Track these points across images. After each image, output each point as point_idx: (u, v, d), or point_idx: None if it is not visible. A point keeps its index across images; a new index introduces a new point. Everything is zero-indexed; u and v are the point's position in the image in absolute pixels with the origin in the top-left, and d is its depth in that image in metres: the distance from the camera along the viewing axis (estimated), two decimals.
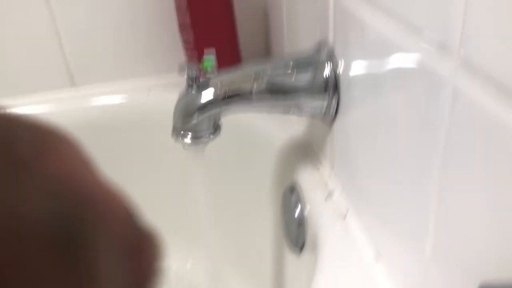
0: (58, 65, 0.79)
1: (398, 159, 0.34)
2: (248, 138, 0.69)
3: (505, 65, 0.20)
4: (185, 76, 0.45)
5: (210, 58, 0.71)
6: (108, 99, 0.80)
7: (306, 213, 0.53)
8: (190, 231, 0.79)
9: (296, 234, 0.55)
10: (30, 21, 0.75)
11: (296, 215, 0.55)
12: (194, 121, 0.45)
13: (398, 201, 0.36)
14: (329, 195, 0.51)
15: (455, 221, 0.27)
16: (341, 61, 0.44)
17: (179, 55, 0.75)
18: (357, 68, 0.40)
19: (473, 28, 0.22)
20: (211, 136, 0.47)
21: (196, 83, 0.45)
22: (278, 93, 0.46)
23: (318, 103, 0.47)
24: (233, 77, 0.46)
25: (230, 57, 0.73)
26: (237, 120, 0.68)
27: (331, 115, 0.48)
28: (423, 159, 0.30)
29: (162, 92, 0.79)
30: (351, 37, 0.40)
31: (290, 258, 0.59)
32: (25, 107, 0.79)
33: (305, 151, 0.59)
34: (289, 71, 0.46)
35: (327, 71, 0.46)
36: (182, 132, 0.46)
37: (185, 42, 0.71)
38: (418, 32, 0.28)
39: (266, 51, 0.84)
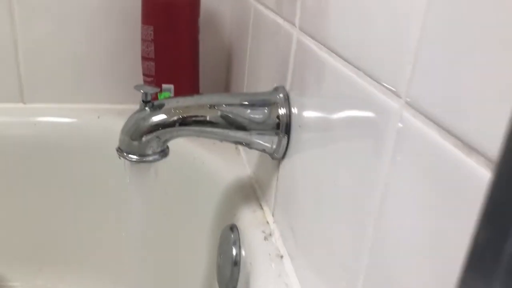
0: (10, 78, 0.77)
1: (338, 205, 0.35)
2: (194, 172, 0.68)
3: (444, 106, 0.22)
4: (140, 97, 0.45)
5: (166, 93, 0.71)
6: (57, 118, 0.78)
7: (243, 252, 0.52)
8: (120, 264, 0.75)
9: (229, 276, 0.54)
10: None
11: (232, 254, 0.53)
12: (143, 140, 0.45)
13: (334, 247, 0.36)
14: (269, 235, 0.50)
15: (388, 273, 0.28)
16: (295, 106, 0.46)
17: None
18: (309, 113, 0.42)
19: (420, 75, 0.24)
20: (158, 157, 0.46)
21: (151, 103, 0.45)
22: (231, 125, 0.47)
23: (269, 140, 0.48)
24: (189, 103, 0.46)
25: (188, 93, 0.73)
26: (185, 152, 0.68)
27: (280, 154, 0.48)
28: (361, 204, 0.31)
29: (113, 118, 0.78)
30: (307, 84, 0.42)
31: None
32: None
33: (251, 191, 0.59)
34: (245, 107, 0.47)
35: (280, 112, 0.47)
36: (127, 151, 0.45)
37: (145, 74, 0.71)
38: (370, 73, 0.29)
39: (225, 90, 0.86)
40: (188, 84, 0.73)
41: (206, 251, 0.65)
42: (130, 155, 0.45)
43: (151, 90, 0.45)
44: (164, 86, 0.71)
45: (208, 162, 0.68)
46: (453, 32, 0.22)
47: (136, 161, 0.45)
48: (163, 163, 0.48)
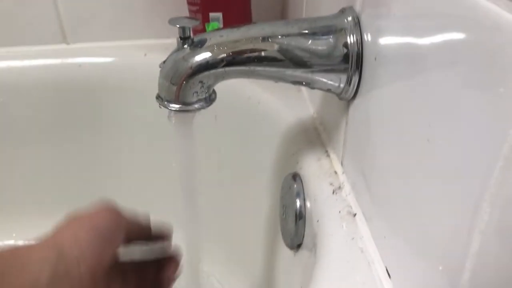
0: (51, 19, 0.72)
1: (431, 159, 0.27)
2: (249, 114, 0.61)
3: None
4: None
5: (214, 23, 0.62)
6: (100, 58, 0.72)
7: (308, 206, 0.46)
8: (174, 210, 0.72)
9: (294, 231, 0.47)
10: None
11: (296, 207, 0.47)
12: (184, 84, 0.38)
13: (427, 210, 0.28)
14: (338, 188, 0.43)
15: None
16: (368, 31, 0.36)
17: None
18: (388, 40, 0.32)
19: None
20: (203, 104, 0.39)
21: (190, 40, 0.37)
22: (289, 61, 0.38)
23: (336, 77, 0.39)
24: (236, 36, 0.38)
25: (239, 22, 0.64)
26: (237, 89, 0.60)
27: (350, 93, 0.40)
28: (474, 163, 0.22)
29: (161, 54, 0.71)
30: (384, 5, 0.32)
31: (286, 255, 0.52)
32: (14, 61, 0.72)
33: (315, 135, 0.51)
34: (304, 36, 0.38)
35: (349, 41, 0.38)
36: (168, 98, 0.38)
37: (190, 3, 0.63)
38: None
39: (281, 15, 0.75)
40: (238, 11, 0.64)
41: (266, 201, 0.59)
42: (171, 104, 0.38)
43: (189, 23, 0.37)
44: (212, 14, 0.62)
45: (264, 101, 0.60)
46: None
47: (179, 110, 0.39)
48: (212, 105, 0.41)
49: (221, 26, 0.63)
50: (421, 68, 0.28)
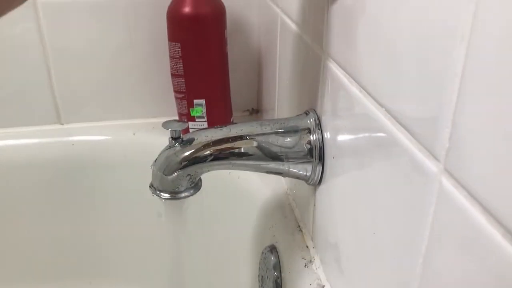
0: (46, 102, 0.79)
1: (379, 239, 0.33)
2: (230, 189, 0.68)
3: (489, 186, 0.20)
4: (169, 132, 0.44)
5: (198, 108, 0.70)
6: (92, 137, 0.79)
7: (284, 278, 0.52)
8: (161, 280, 0.77)
9: None
10: (23, 57, 0.75)
11: (274, 278, 0.53)
12: (174, 177, 0.44)
13: (379, 283, 0.34)
14: (309, 262, 0.49)
15: None
16: (327, 131, 0.44)
17: (170, 101, 0.75)
18: (342, 142, 0.40)
19: (461, 143, 0.22)
20: (191, 191, 0.46)
21: (180, 139, 0.44)
22: (263, 156, 0.45)
23: (303, 168, 0.46)
24: (219, 135, 0.45)
25: (220, 108, 0.72)
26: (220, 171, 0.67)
27: (316, 180, 0.47)
28: (404, 244, 0.29)
29: (148, 134, 0.78)
30: (339, 109, 0.40)
31: None
32: (10, 140, 0.78)
33: (289, 211, 0.58)
34: (275, 134, 0.45)
35: (312, 138, 0.45)
36: (160, 188, 0.45)
37: (176, 91, 0.70)
38: (405, 127, 0.27)
39: (257, 103, 0.84)
40: (219, 97, 0.72)
41: (246, 272, 0.64)
42: (162, 194, 0.45)
43: (179, 127, 0.44)
44: (196, 101, 0.70)
45: (243, 176, 0.67)
46: (493, 98, 0.19)
47: (169, 199, 0.45)
48: None
49: (204, 111, 0.70)
50: (362, 165, 0.35)
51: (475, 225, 0.21)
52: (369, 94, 0.32)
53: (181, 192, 0.45)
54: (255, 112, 0.85)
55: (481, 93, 0.20)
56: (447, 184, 0.23)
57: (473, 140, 0.21)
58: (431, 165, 0.24)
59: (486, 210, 0.20)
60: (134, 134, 0.79)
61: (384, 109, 0.30)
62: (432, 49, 0.24)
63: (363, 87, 0.33)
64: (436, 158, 0.24)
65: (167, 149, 0.45)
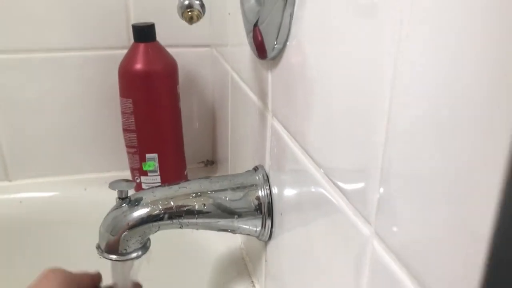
0: None
1: None
2: (183, 245, 0.67)
3: (413, 250, 0.21)
4: (117, 193, 0.44)
5: (151, 163, 0.70)
6: (41, 193, 0.77)
7: None
8: None
9: None
10: None
11: None
12: (121, 238, 0.43)
13: None
14: None
15: None
16: (275, 186, 0.45)
17: (122, 155, 0.74)
18: (288, 198, 0.41)
19: (386, 208, 0.23)
20: (139, 252, 0.45)
21: (128, 199, 0.44)
22: (213, 213, 0.45)
23: (253, 223, 0.46)
24: (167, 195, 0.45)
25: (173, 161, 0.72)
26: None
27: (266, 235, 0.47)
28: None
29: (100, 189, 0.76)
30: (284, 167, 0.41)
31: None
32: None
33: (242, 266, 0.58)
34: (226, 192, 0.46)
35: (261, 194, 0.46)
36: (107, 249, 0.44)
37: (128, 146, 0.70)
38: (341, 190, 0.28)
39: (212, 155, 0.85)
40: (172, 152, 0.72)
41: None
42: (110, 255, 0.44)
43: (126, 187, 0.44)
44: (148, 155, 0.70)
45: (196, 230, 0.66)
46: (414, 175, 0.21)
47: (117, 260, 0.44)
48: None
49: (157, 165, 0.70)
50: (306, 222, 0.36)
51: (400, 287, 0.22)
52: (309, 155, 0.34)
53: (129, 253, 0.44)
54: (210, 163, 0.85)
55: (405, 159, 0.21)
56: (378, 247, 0.24)
57: (400, 204, 0.22)
58: (363, 227, 0.25)
59: (413, 275, 0.21)
60: (85, 189, 0.77)
61: (322, 170, 0.31)
62: (361, 117, 0.25)
63: (304, 148, 0.35)
64: (367, 221, 0.25)
65: (114, 210, 0.44)
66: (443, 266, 0.19)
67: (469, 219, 0.17)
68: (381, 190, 0.23)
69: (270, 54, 0.39)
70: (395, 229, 0.22)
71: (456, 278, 0.18)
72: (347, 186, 0.27)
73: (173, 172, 0.72)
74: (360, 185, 0.26)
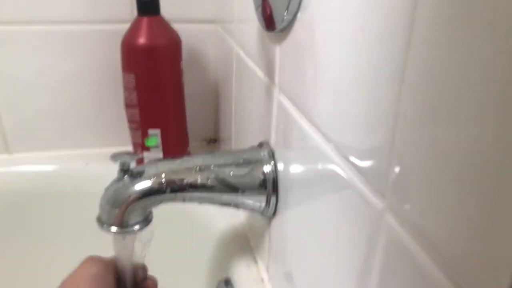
0: None
1: (330, 272, 0.33)
2: (185, 220, 0.66)
3: (429, 219, 0.20)
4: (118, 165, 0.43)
5: (153, 138, 0.69)
6: (42, 167, 0.76)
7: None
8: None
9: None
10: None
11: None
12: (122, 210, 0.43)
13: None
14: None
15: None
16: (281, 162, 0.44)
17: (124, 130, 0.73)
18: (294, 175, 0.40)
19: (403, 181, 0.22)
20: (140, 225, 0.44)
21: (130, 171, 0.43)
22: (217, 188, 0.45)
23: (257, 199, 0.46)
24: (170, 168, 0.44)
25: (176, 138, 0.72)
26: None
27: (270, 212, 0.47)
28: (356, 276, 0.29)
29: (101, 164, 0.76)
30: (291, 143, 0.40)
31: None
32: None
33: (245, 242, 0.57)
34: (230, 167, 0.45)
35: (266, 170, 0.45)
36: (108, 221, 0.43)
37: (130, 121, 0.69)
38: (353, 165, 0.28)
39: (215, 133, 0.84)
40: (175, 128, 0.71)
41: None
42: (111, 227, 0.43)
43: (129, 159, 0.43)
44: (150, 131, 0.69)
45: (199, 206, 0.66)
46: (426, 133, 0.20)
47: (118, 233, 0.44)
48: None
49: (159, 141, 0.69)
50: (313, 198, 0.35)
51: (417, 261, 0.21)
52: (318, 129, 0.33)
53: (131, 225, 0.44)
54: (213, 141, 0.85)
55: (419, 126, 0.21)
56: (393, 221, 0.23)
57: (416, 179, 0.21)
58: (377, 201, 0.25)
59: (429, 251, 0.20)
60: (86, 164, 0.77)
61: (332, 144, 0.31)
62: (374, 89, 0.25)
63: (313, 123, 0.34)
64: (382, 195, 0.24)
65: (115, 182, 0.44)
66: (464, 243, 0.18)
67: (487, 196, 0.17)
68: (396, 164, 0.23)
69: (279, 25, 0.38)
70: (410, 203, 0.22)
71: (477, 253, 0.18)
72: (359, 162, 0.27)
73: (175, 148, 0.72)
74: (373, 160, 0.25)
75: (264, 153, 0.46)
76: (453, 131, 0.18)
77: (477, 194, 0.17)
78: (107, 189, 0.44)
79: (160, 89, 0.67)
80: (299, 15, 0.36)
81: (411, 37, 0.21)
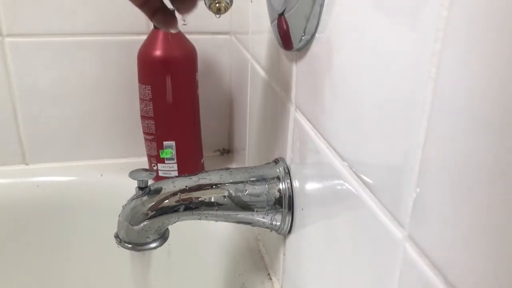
0: (11, 141, 0.77)
1: None
2: (199, 234, 0.67)
3: (449, 257, 0.20)
4: (136, 181, 0.43)
5: (168, 150, 0.70)
6: (58, 178, 0.77)
7: None
8: None
9: None
10: None
11: None
12: (140, 228, 0.43)
13: None
14: None
15: None
16: (296, 179, 0.44)
17: (139, 141, 0.74)
18: (310, 193, 0.40)
19: (423, 211, 0.22)
20: (157, 242, 0.45)
21: (147, 189, 0.44)
22: (233, 205, 0.45)
23: (273, 217, 0.46)
24: (186, 186, 0.44)
25: (191, 149, 0.72)
26: None
27: (286, 230, 0.46)
28: None
29: (116, 175, 0.76)
30: (307, 161, 0.40)
31: None
32: None
33: (259, 258, 0.57)
34: (246, 184, 0.45)
35: (282, 187, 0.45)
36: (126, 239, 0.44)
37: (146, 133, 0.70)
38: (370, 188, 0.27)
39: (228, 144, 0.84)
40: (189, 140, 0.72)
41: None
42: (128, 244, 0.44)
43: (146, 176, 0.43)
44: (166, 143, 0.69)
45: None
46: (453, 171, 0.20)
47: (136, 250, 0.44)
48: None
49: (174, 153, 0.70)
50: (330, 218, 0.35)
51: None
52: (334, 149, 0.33)
53: (148, 243, 0.44)
54: (226, 152, 0.85)
55: (444, 160, 0.20)
56: (411, 251, 0.23)
57: (438, 209, 0.21)
58: (395, 229, 0.24)
59: (447, 281, 0.20)
60: (101, 175, 0.77)
61: (347, 164, 0.30)
62: (395, 115, 0.24)
63: (329, 142, 0.34)
64: (400, 224, 0.24)
65: (133, 199, 0.44)
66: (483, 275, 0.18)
67: None
68: (417, 190, 0.22)
69: (297, 45, 0.38)
70: (431, 233, 0.21)
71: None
72: (377, 186, 0.26)
73: (190, 160, 0.72)
74: (392, 186, 0.25)
75: (279, 170, 0.46)
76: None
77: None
78: (125, 206, 0.44)
79: (176, 100, 0.67)
80: (317, 35, 0.35)
81: (438, 68, 0.21)
